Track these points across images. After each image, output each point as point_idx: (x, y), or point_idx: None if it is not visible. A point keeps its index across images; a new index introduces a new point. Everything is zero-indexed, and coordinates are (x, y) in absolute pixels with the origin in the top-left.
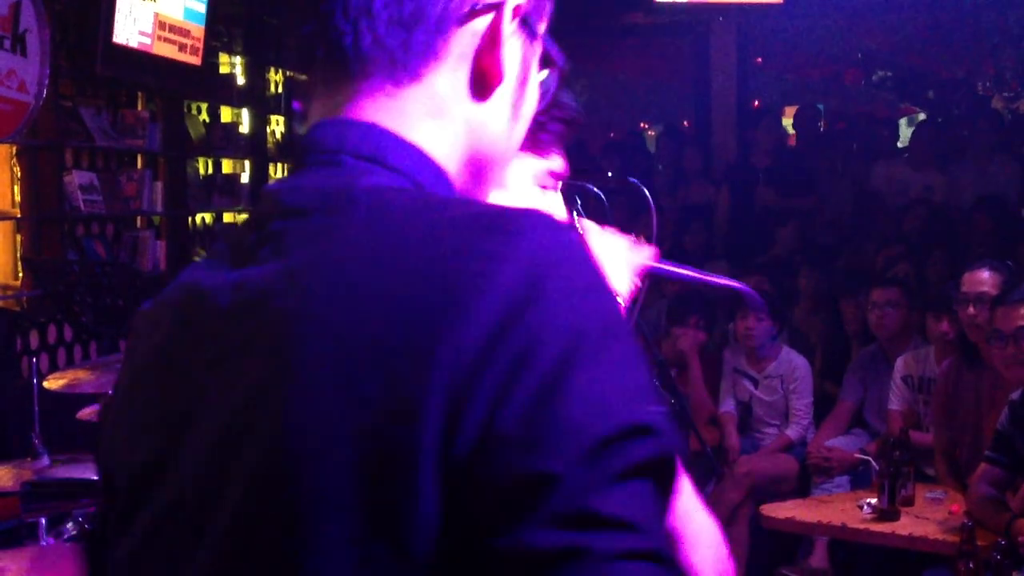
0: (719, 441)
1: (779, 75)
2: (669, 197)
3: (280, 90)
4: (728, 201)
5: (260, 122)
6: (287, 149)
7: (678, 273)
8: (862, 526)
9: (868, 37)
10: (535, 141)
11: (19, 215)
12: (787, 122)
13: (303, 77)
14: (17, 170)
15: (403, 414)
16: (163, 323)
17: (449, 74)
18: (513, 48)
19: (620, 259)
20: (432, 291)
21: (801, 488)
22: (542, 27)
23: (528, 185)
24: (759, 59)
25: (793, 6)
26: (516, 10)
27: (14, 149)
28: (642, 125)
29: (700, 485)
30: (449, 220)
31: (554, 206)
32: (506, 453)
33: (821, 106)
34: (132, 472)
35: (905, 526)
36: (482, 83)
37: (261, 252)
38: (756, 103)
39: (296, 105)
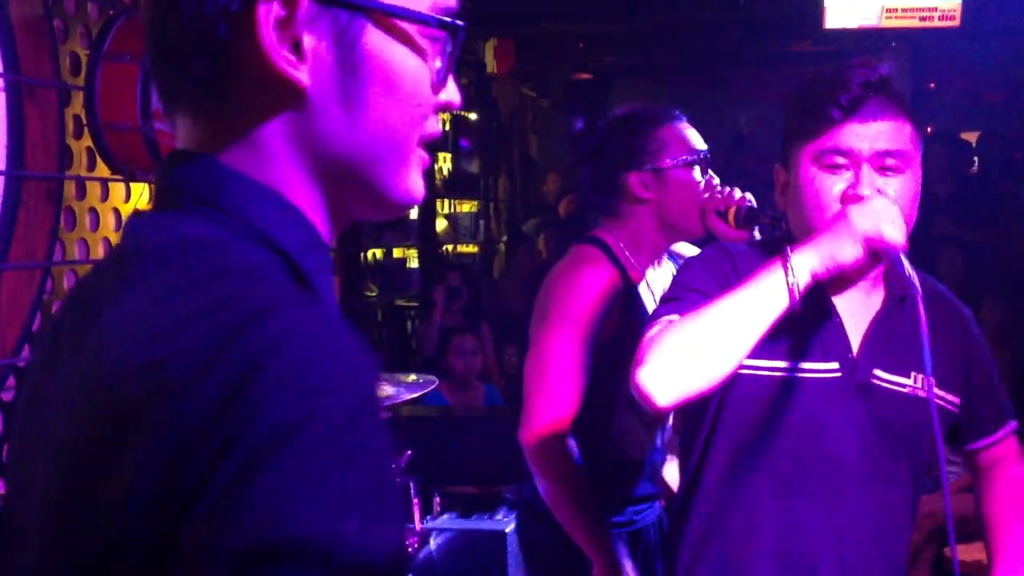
0: None
1: (954, 100)
2: None
3: (447, 127)
4: None
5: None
6: (454, 185)
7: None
8: None
9: None
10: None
11: None
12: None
13: (472, 116)
14: None
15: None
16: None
17: (246, 88)
18: (290, 33)
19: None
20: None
21: None
22: None
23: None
24: (932, 84)
25: (971, 28)
26: None
27: None
28: None
29: None
30: (207, 289)
31: None
32: (196, 530)
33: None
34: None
35: None
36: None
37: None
38: (930, 129)
39: (464, 143)
